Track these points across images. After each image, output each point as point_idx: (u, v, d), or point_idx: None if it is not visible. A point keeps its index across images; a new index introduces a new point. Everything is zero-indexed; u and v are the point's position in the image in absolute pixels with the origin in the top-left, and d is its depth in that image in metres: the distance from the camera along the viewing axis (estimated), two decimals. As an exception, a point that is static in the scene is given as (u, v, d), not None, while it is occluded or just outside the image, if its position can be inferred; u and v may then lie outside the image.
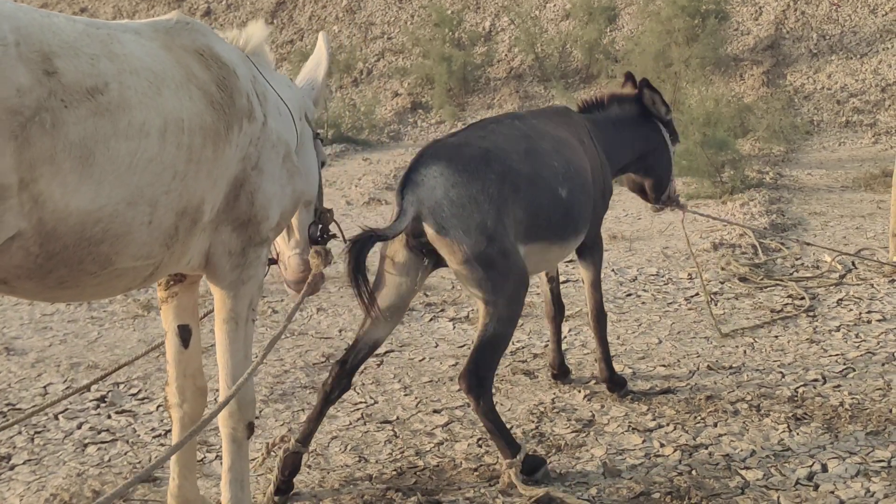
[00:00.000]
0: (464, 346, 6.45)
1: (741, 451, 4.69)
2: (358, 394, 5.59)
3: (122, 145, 2.77)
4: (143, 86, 2.88)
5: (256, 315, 3.61)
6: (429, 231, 4.31)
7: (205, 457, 4.76)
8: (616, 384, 5.51)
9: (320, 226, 4.12)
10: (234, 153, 3.28)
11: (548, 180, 4.69)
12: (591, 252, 5.39)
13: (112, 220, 2.80)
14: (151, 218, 2.94)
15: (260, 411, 5.32)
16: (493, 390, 5.48)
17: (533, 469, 4.40)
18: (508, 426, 5.01)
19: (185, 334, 3.81)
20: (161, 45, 3.15)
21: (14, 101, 2.47)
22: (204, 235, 3.31)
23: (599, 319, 5.54)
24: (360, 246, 4.09)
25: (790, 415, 5.10)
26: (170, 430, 5.07)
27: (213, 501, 4.21)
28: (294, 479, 4.37)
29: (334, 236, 4.21)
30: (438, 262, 4.46)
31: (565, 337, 6.48)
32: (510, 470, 4.31)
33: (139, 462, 4.68)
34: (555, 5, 21.79)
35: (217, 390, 4.10)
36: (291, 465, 4.34)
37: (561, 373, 5.76)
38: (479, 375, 4.33)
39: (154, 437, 5.02)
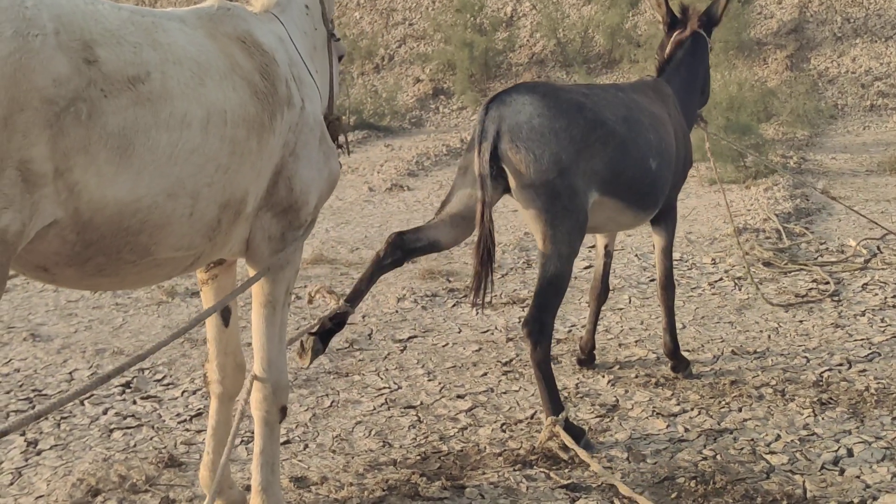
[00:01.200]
0: (487, 331, 6.45)
1: (766, 435, 4.67)
2: (381, 379, 5.60)
3: (162, 136, 2.74)
4: (185, 76, 2.85)
5: (291, 299, 3.61)
6: (503, 147, 4.42)
7: (230, 442, 4.78)
8: (680, 362, 5.49)
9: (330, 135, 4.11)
10: (277, 141, 3.27)
11: (641, 148, 4.81)
12: (665, 219, 5.42)
13: (151, 212, 2.78)
14: (193, 210, 2.92)
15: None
16: (517, 376, 5.50)
17: (576, 437, 4.45)
18: (532, 411, 5.02)
19: (225, 314, 3.83)
20: (206, 34, 3.12)
21: (50, 91, 2.45)
22: (246, 224, 3.31)
23: (667, 287, 5.53)
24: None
25: (815, 399, 5.08)
26: (195, 416, 5.11)
27: (238, 485, 4.22)
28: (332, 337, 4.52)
29: (341, 146, 4.16)
30: (506, 186, 4.55)
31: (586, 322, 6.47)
32: (556, 425, 4.38)
33: (164, 447, 4.71)
34: (576, -10, 21.71)
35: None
36: (338, 320, 4.46)
37: (588, 359, 5.74)
38: (542, 321, 4.46)
39: (179, 423, 5.05)
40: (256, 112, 3.12)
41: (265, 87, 3.20)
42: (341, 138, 4.12)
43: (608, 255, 5.72)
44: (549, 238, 4.47)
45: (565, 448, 4.40)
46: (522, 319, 4.58)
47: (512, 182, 4.50)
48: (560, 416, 4.41)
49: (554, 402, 4.49)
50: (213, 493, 3.53)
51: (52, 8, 2.54)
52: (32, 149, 2.43)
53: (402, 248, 4.65)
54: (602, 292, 5.74)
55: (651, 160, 4.86)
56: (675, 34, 5.89)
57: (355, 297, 4.58)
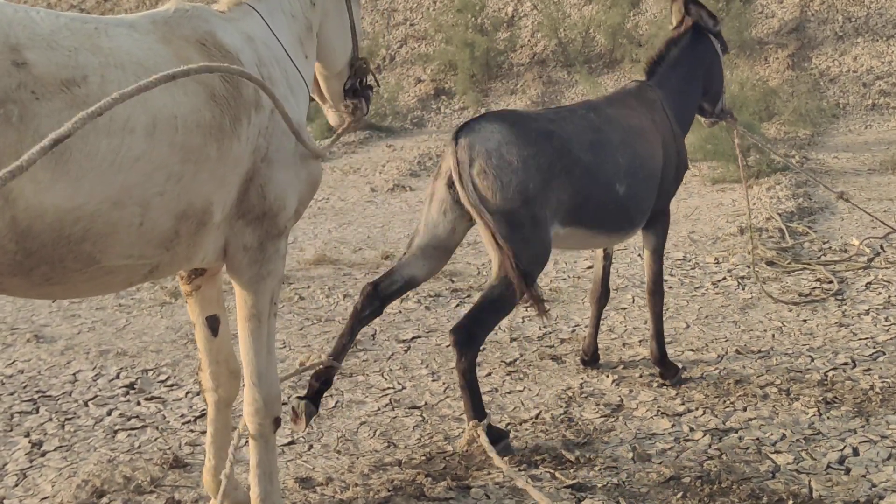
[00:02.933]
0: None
1: (771, 435, 4.66)
2: (386, 379, 5.60)
3: (102, 141, 2.67)
4: (128, 80, 2.74)
5: (278, 309, 3.58)
6: (472, 173, 4.41)
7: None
8: (668, 369, 5.39)
9: (359, 79, 4.07)
10: (244, 147, 3.17)
11: (607, 174, 4.75)
12: (655, 224, 5.35)
13: (94, 220, 2.71)
14: (143, 220, 2.84)
15: (288, 397, 5.33)
16: (521, 376, 5.50)
17: (496, 440, 4.41)
18: (536, 411, 5.02)
19: (213, 324, 3.79)
20: (159, 39, 3.04)
21: None
22: (218, 233, 3.23)
23: (655, 293, 5.45)
24: None
25: (820, 398, 5.07)
26: (199, 416, 5.10)
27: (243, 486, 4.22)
28: (322, 395, 4.53)
29: (371, 87, 4.13)
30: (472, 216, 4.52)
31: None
32: (478, 428, 4.35)
33: (169, 448, 4.71)
34: (577, -10, 21.71)
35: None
36: (324, 378, 4.47)
37: (591, 360, 5.70)
38: (470, 332, 4.41)
39: (183, 424, 5.05)
40: (213, 117, 3.02)
41: (226, 91, 3.09)
42: (370, 79, 4.11)
43: (607, 257, 5.67)
44: (503, 265, 4.43)
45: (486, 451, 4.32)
46: (453, 325, 4.53)
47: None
48: (483, 422, 4.39)
49: (477, 408, 4.45)
50: (222, 498, 3.54)
51: None
52: None
53: (378, 298, 4.63)
54: (602, 295, 5.70)
55: (618, 185, 4.80)
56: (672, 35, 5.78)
57: (339, 353, 4.57)
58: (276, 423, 3.65)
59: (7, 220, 2.53)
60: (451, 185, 4.54)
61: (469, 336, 4.41)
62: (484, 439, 4.29)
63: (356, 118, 4.07)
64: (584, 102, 5.34)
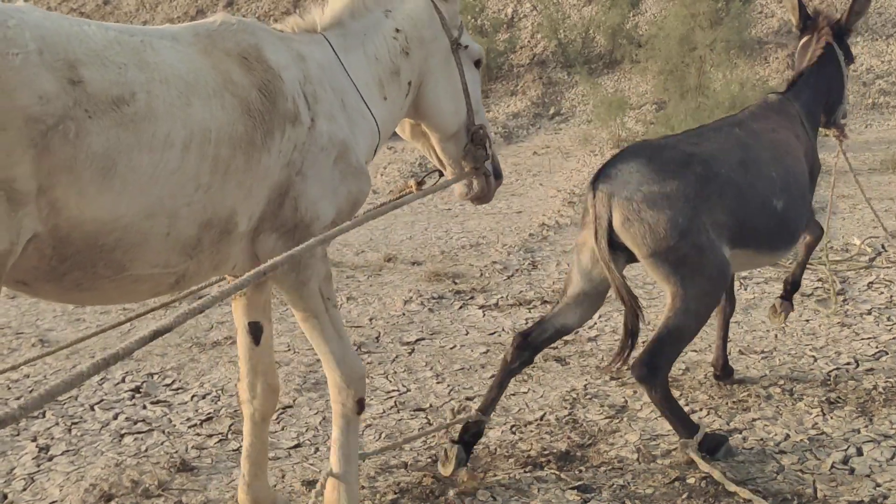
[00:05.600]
0: (494, 333, 6.47)
1: (775, 435, 4.68)
2: (390, 382, 5.62)
3: (144, 157, 2.72)
4: (172, 96, 2.82)
5: (335, 300, 3.59)
6: (616, 223, 4.32)
7: (240, 446, 4.79)
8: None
9: (475, 146, 4.03)
10: (274, 160, 3.18)
11: (762, 191, 4.64)
12: (809, 229, 5.30)
13: (127, 231, 2.77)
14: (170, 230, 2.89)
15: (293, 400, 5.36)
16: (525, 377, 5.51)
17: (715, 448, 4.44)
18: (541, 413, 5.04)
19: (255, 331, 3.79)
20: (200, 50, 3.08)
21: (36, 109, 2.45)
22: (246, 241, 3.24)
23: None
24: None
25: (824, 399, 5.09)
26: (205, 420, 5.12)
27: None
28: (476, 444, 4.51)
29: (489, 156, 4.10)
30: (630, 255, 4.44)
31: (595, 324, 6.49)
32: (686, 449, 4.35)
33: (176, 452, 4.72)
34: (577, -9, 21.73)
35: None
36: (474, 431, 4.44)
37: (724, 374, 5.47)
38: (653, 365, 4.32)
39: (190, 427, 5.06)
40: (246, 130, 3.06)
41: (262, 104, 3.13)
42: (489, 147, 4.07)
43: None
44: (679, 296, 4.35)
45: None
46: (632, 362, 4.44)
47: (635, 252, 4.39)
48: (693, 440, 4.36)
49: (686, 426, 4.40)
50: None
51: (35, 28, 2.54)
52: (16, 168, 2.44)
53: (529, 349, 4.54)
54: (727, 305, 5.49)
55: (775, 201, 4.69)
56: (801, 43, 5.67)
57: (488, 407, 4.52)
58: (360, 404, 3.66)
59: (50, 228, 2.59)
60: (597, 235, 4.41)
61: (651, 371, 4.31)
62: (696, 458, 4.30)
63: (476, 170, 4.04)
64: (727, 120, 5.16)
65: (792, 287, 5.47)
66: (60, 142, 2.51)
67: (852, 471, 4.29)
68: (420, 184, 4.21)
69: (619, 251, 4.40)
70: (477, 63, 4.08)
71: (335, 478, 3.68)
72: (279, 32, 3.51)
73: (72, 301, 3.10)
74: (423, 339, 6.44)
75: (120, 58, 2.73)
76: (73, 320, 7.10)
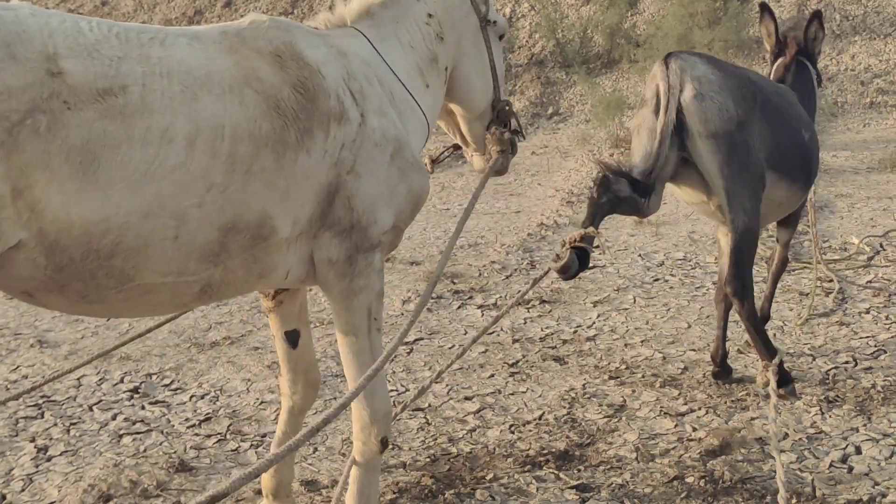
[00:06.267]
0: (493, 332, 6.46)
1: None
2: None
3: (136, 151, 2.60)
4: (172, 89, 2.71)
5: (381, 324, 3.41)
6: (686, 96, 4.52)
7: (239, 446, 4.80)
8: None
9: (502, 123, 4.03)
10: (317, 160, 3.04)
11: (794, 119, 4.94)
12: (778, 253, 5.75)
13: (123, 233, 2.63)
14: (177, 233, 2.73)
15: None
16: (524, 377, 5.52)
17: (784, 382, 4.70)
18: (540, 412, 5.04)
19: (292, 338, 3.70)
20: (224, 48, 2.97)
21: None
22: (295, 248, 3.11)
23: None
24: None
25: (822, 397, 5.09)
26: (203, 420, 5.12)
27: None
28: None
29: (515, 132, 4.08)
30: (681, 142, 4.59)
31: (594, 323, 6.50)
32: (767, 372, 4.53)
33: (174, 452, 4.72)
34: (575, -10, 21.74)
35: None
36: (587, 240, 4.23)
37: (722, 369, 5.44)
38: (741, 277, 4.59)
39: (188, 428, 5.06)
40: (274, 128, 2.91)
41: (296, 102, 2.99)
42: (513, 122, 4.08)
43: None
44: (732, 194, 4.55)
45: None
46: (724, 279, 4.73)
47: (695, 132, 4.54)
48: (774, 361, 4.58)
49: (768, 347, 4.70)
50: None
51: (9, 24, 2.49)
52: None
53: (610, 189, 4.52)
54: (727, 295, 5.38)
55: (804, 131, 4.97)
56: (775, 66, 5.78)
57: (592, 220, 4.43)
58: (384, 443, 3.48)
59: (34, 232, 2.50)
60: (656, 111, 4.59)
61: (742, 282, 4.59)
62: (772, 382, 4.42)
63: (502, 151, 3.98)
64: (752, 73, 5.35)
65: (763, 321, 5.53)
66: (30, 137, 2.43)
67: (851, 469, 4.29)
68: (434, 161, 4.20)
69: (673, 136, 4.57)
70: (501, 37, 4.05)
71: None
72: (314, 30, 3.42)
73: (85, 313, 2.95)
74: (421, 338, 6.43)
75: (115, 51, 2.67)
76: (71, 321, 7.10)
